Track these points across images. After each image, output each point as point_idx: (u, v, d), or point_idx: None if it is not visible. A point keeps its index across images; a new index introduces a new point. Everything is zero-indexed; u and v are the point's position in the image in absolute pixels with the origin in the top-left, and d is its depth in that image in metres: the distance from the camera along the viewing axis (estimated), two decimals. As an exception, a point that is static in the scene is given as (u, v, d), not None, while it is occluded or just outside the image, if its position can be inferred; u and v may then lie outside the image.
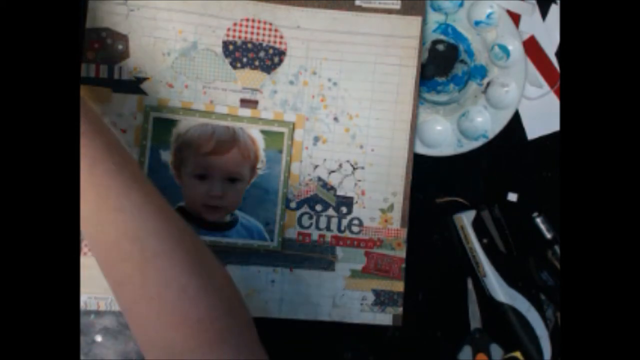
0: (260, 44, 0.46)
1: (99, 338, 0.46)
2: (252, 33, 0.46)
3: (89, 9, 0.45)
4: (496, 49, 0.49)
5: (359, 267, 0.47)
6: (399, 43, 0.47)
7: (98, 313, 0.46)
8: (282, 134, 0.46)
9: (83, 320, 0.45)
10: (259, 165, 0.46)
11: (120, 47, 0.45)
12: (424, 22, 0.48)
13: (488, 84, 0.49)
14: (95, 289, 0.45)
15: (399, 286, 0.48)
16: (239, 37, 0.46)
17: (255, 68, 0.46)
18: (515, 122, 0.50)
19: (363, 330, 0.48)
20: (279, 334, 0.47)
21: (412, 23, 0.47)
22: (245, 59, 0.46)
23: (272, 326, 0.47)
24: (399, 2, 0.47)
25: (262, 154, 0.46)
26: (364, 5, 0.47)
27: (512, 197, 0.50)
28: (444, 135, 0.49)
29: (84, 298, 0.45)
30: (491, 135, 0.49)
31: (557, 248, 0.49)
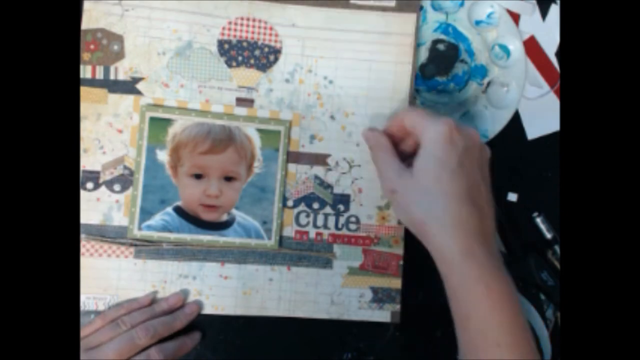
0: (256, 43, 0.46)
1: (99, 338, 0.46)
2: (247, 31, 0.46)
3: (84, 9, 0.45)
4: (496, 48, 0.49)
5: (356, 264, 0.47)
6: (394, 40, 0.47)
7: (98, 313, 0.46)
8: (278, 132, 0.46)
9: (83, 320, 0.45)
10: (256, 164, 0.46)
11: (115, 47, 0.45)
12: (421, 20, 0.48)
13: (488, 83, 0.49)
14: (94, 289, 0.45)
15: (396, 283, 0.47)
16: (234, 36, 0.46)
17: (251, 67, 0.46)
18: (515, 122, 0.50)
19: (362, 329, 0.48)
20: (277, 332, 0.47)
21: (407, 20, 0.47)
22: (240, 58, 0.46)
23: (271, 325, 0.47)
24: (394, -1, 0.47)
25: (258, 153, 0.46)
26: (359, 3, 0.47)
27: (512, 197, 0.50)
28: (444, 135, 0.48)
29: (83, 298, 0.45)
30: (491, 135, 0.49)
31: (557, 248, 0.48)
